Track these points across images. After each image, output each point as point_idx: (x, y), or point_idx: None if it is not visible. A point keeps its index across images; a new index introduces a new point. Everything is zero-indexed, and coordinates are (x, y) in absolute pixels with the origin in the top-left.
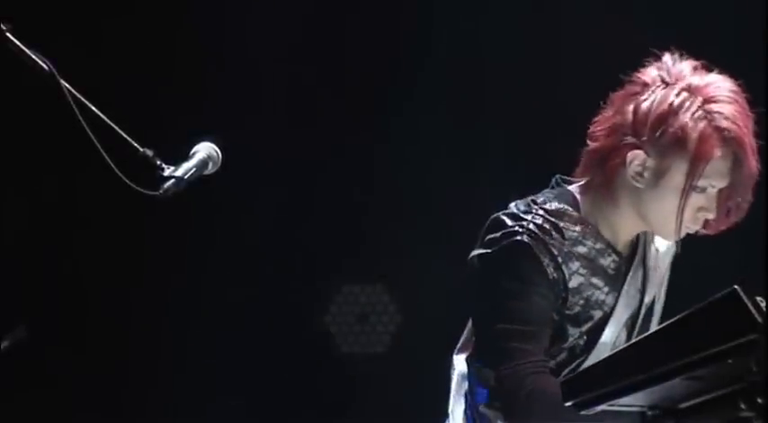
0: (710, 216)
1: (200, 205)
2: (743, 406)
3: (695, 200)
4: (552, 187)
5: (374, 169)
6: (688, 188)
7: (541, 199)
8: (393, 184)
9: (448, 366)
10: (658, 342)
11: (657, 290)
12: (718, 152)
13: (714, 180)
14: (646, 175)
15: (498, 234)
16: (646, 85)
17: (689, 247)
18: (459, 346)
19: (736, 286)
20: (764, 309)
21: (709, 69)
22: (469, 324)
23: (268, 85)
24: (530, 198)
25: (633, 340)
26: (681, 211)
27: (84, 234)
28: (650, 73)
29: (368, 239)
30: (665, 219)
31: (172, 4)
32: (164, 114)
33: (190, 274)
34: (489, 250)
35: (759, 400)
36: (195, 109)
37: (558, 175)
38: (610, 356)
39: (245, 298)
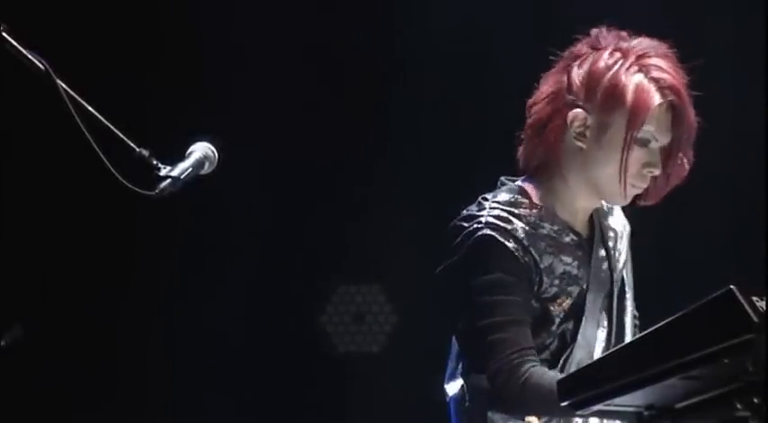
0: (656, 172)
1: (196, 205)
2: (739, 406)
3: (639, 154)
4: (498, 187)
5: (372, 170)
6: (629, 140)
7: (490, 195)
8: (390, 184)
9: (443, 366)
10: (655, 342)
11: (624, 270)
12: (655, 100)
13: (656, 132)
14: (588, 134)
15: (459, 238)
16: (576, 56)
17: (687, 246)
18: (447, 376)
19: (732, 286)
20: (761, 309)
21: (636, 36)
22: (453, 350)
23: (267, 85)
24: (479, 198)
25: (629, 340)
26: (624, 164)
27: (80, 234)
28: (579, 46)
29: (364, 240)
30: (612, 177)
31: (169, 3)
32: (160, 114)
33: (185, 275)
34: (455, 257)
35: (755, 400)
36: (192, 109)
37: (502, 176)
38: (606, 356)
39: (242, 297)
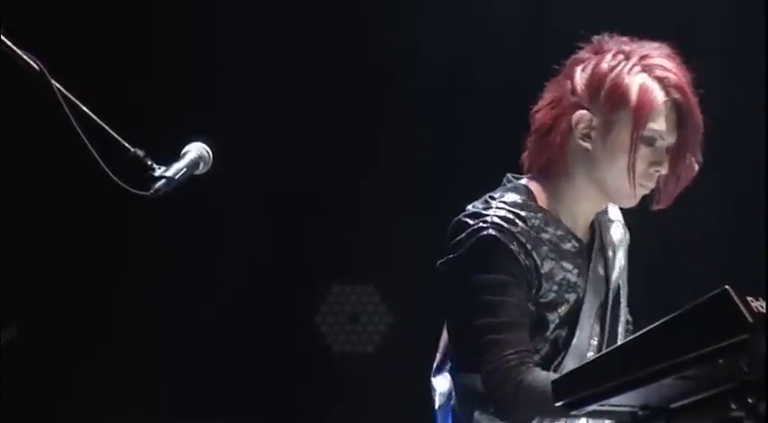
0: (663, 171)
1: (192, 206)
2: (734, 406)
3: (645, 153)
4: (504, 184)
5: (367, 171)
6: (635, 139)
7: (498, 194)
8: (385, 185)
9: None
10: (650, 342)
11: (620, 277)
12: (659, 98)
13: (662, 130)
14: (593, 134)
15: (463, 235)
16: (579, 61)
17: (683, 246)
18: (434, 368)
19: (726, 286)
20: (756, 309)
21: (638, 40)
22: (443, 342)
23: (264, 86)
24: (485, 196)
25: (624, 340)
26: (632, 163)
27: (77, 234)
28: (581, 53)
29: (359, 240)
30: (619, 178)
31: (165, 4)
32: (155, 114)
33: (180, 275)
34: (457, 253)
35: (750, 400)
36: (187, 109)
37: (508, 173)
38: (600, 356)
39: (238, 298)
